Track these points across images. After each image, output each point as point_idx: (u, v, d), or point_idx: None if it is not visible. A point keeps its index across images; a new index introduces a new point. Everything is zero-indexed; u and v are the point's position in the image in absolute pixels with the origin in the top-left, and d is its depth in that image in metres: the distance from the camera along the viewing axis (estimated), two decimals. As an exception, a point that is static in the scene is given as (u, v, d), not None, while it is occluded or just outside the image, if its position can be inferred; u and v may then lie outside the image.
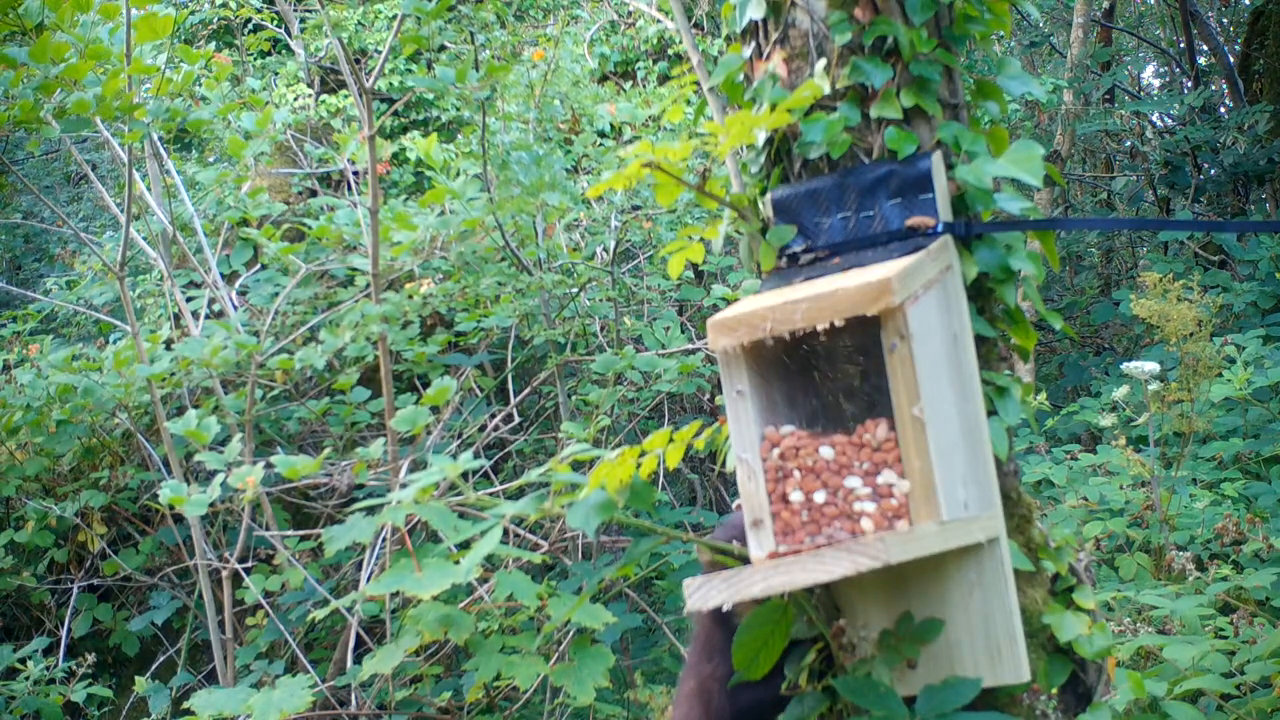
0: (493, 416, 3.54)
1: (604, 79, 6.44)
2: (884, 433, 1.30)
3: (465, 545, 1.65)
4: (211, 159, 4.78)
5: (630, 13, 6.82)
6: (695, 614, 1.42)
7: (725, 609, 1.28)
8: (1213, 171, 7.19)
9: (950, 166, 1.53)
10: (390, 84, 6.06)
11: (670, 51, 6.71)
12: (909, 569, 1.37)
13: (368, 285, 3.17)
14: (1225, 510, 3.45)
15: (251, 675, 3.04)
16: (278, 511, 3.58)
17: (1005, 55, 1.72)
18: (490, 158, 3.49)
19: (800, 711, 1.50)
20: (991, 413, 1.47)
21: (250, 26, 6.36)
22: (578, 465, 1.60)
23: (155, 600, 3.69)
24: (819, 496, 1.43)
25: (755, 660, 1.47)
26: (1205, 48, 8.66)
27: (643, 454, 1.64)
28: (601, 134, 5.08)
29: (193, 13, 5.92)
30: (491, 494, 3.02)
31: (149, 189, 3.71)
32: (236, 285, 3.93)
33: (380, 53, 5.44)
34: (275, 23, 6.19)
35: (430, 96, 6.02)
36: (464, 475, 1.45)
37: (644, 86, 5.98)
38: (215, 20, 6.28)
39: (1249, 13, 8.21)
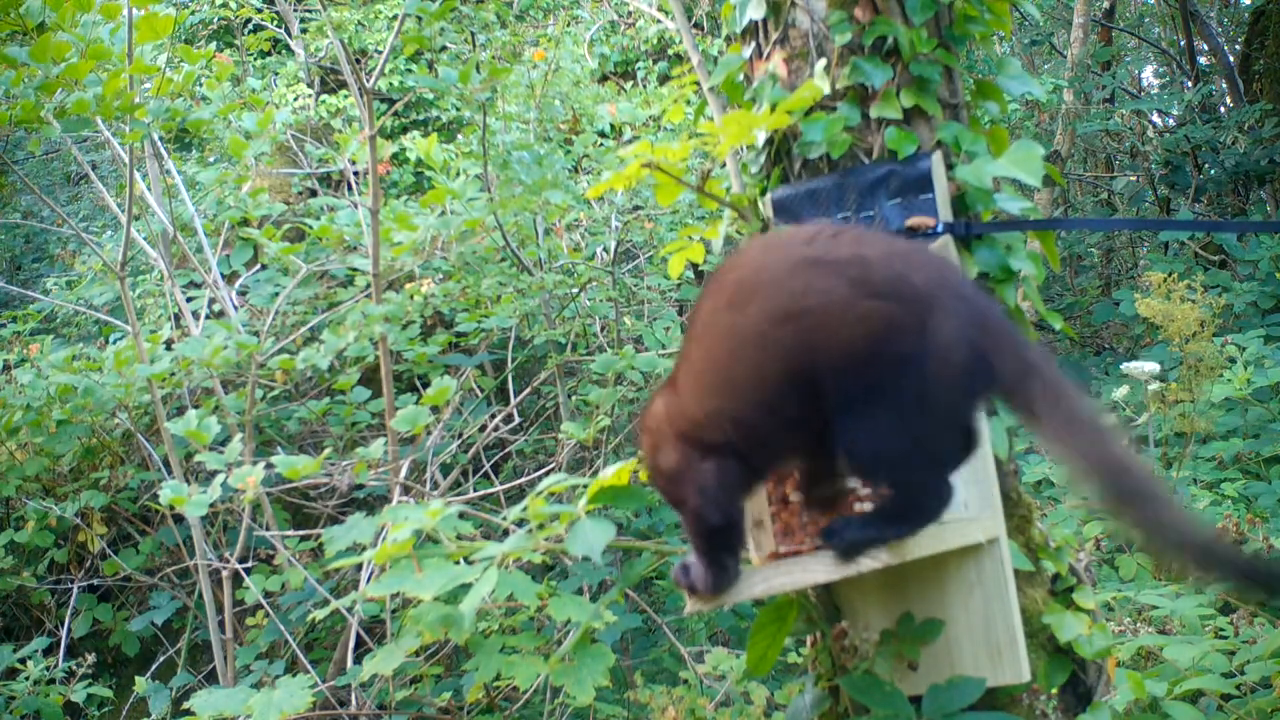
0: (493, 416, 3.53)
1: (604, 79, 6.44)
2: (884, 433, 1.29)
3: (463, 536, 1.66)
4: (212, 159, 4.78)
5: (630, 13, 6.82)
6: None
7: None
8: (1213, 171, 7.19)
9: (950, 166, 1.53)
10: (391, 84, 6.06)
11: (670, 51, 6.71)
12: (909, 569, 1.37)
13: (368, 285, 3.17)
14: (1225, 510, 3.45)
15: (251, 675, 3.04)
16: (278, 511, 3.58)
17: (1005, 55, 1.72)
18: (491, 158, 3.49)
19: (803, 709, 1.50)
20: (991, 413, 1.47)
21: (250, 26, 6.36)
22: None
23: (155, 600, 3.69)
24: (819, 496, 1.43)
25: (763, 658, 1.48)
26: (1205, 48, 8.66)
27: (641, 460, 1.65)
28: (602, 134, 5.08)
29: (193, 13, 5.92)
30: (491, 494, 3.01)
31: (149, 189, 3.71)
32: (236, 285, 3.93)
33: (381, 53, 5.44)
34: (275, 23, 6.19)
35: (431, 96, 6.01)
36: (463, 474, 1.45)
37: (644, 86, 5.98)
38: (215, 20, 6.28)
39: (1249, 13, 8.21)
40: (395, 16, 6.15)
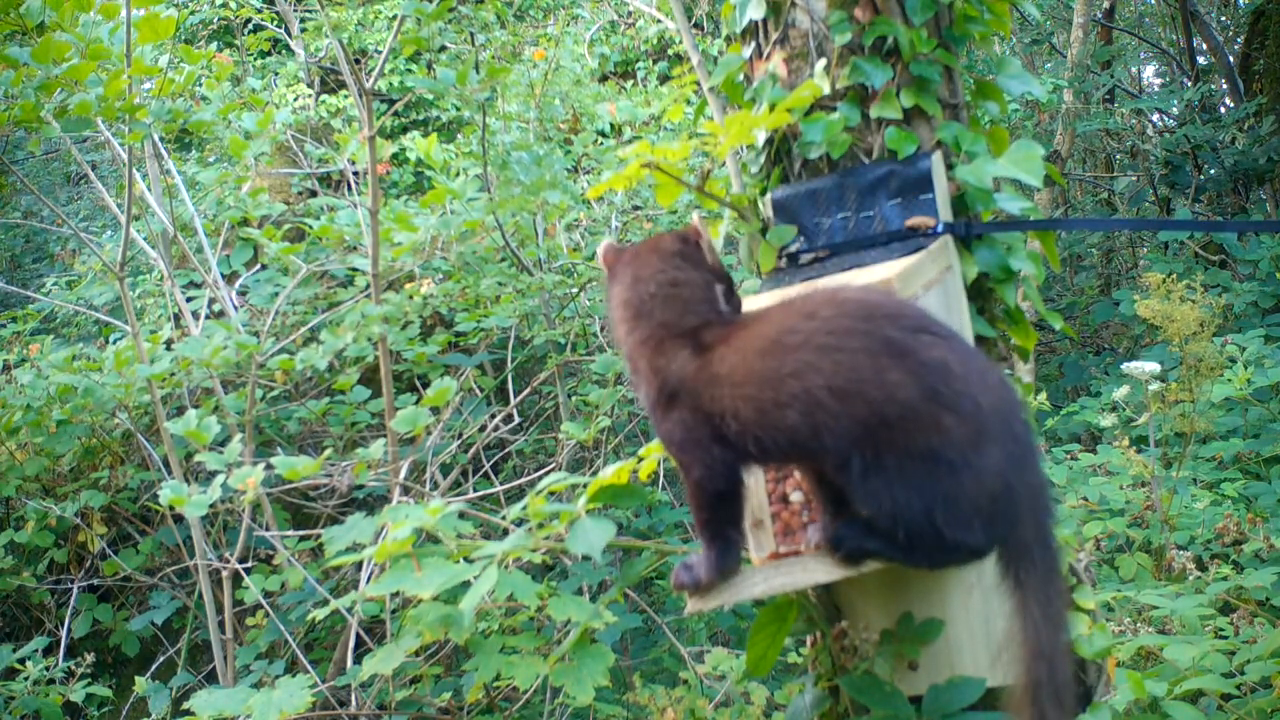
0: (493, 416, 3.53)
1: (604, 79, 6.44)
2: (884, 433, 1.29)
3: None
4: (212, 159, 4.78)
5: (630, 13, 6.82)
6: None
7: None
8: (1213, 171, 7.19)
9: (950, 166, 1.53)
10: (390, 84, 6.06)
11: (670, 51, 6.72)
12: (910, 569, 1.37)
13: (368, 285, 3.17)
14: (1225, 510, 3.45)
15: (251, 675, 3.04)
16: (278, 511, 3.58)
17: (1005, 55, 1.72)
18: (490, 158, 3.49)
19: (803, 709, 1.50)
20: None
21: (250, 26, 6.36)
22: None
23: (155, 600, 3.69)
24: (819, 496, 1.43)
25: (763, 658, 1.48)
26: (1205, 48, 8.65)
27: (640, 460, 1.66)
28: (602, 134, 5.08)
29: (193, 13, 5.92)
30: (491, 494, 3.01)
31: (149, 189, 3.71)
32: (236, 285, 3.93)
33: (380, 53, 5.44)
34: (275, 23, 6.19)
35: (430, 97, 6.01)
36: (463, 474, 1.45)
37: (644, 86, 5.98)
38: (215, 20, 6.28)
39: (1249, 13, 8.21)
40: (395, 17, 6.15)
